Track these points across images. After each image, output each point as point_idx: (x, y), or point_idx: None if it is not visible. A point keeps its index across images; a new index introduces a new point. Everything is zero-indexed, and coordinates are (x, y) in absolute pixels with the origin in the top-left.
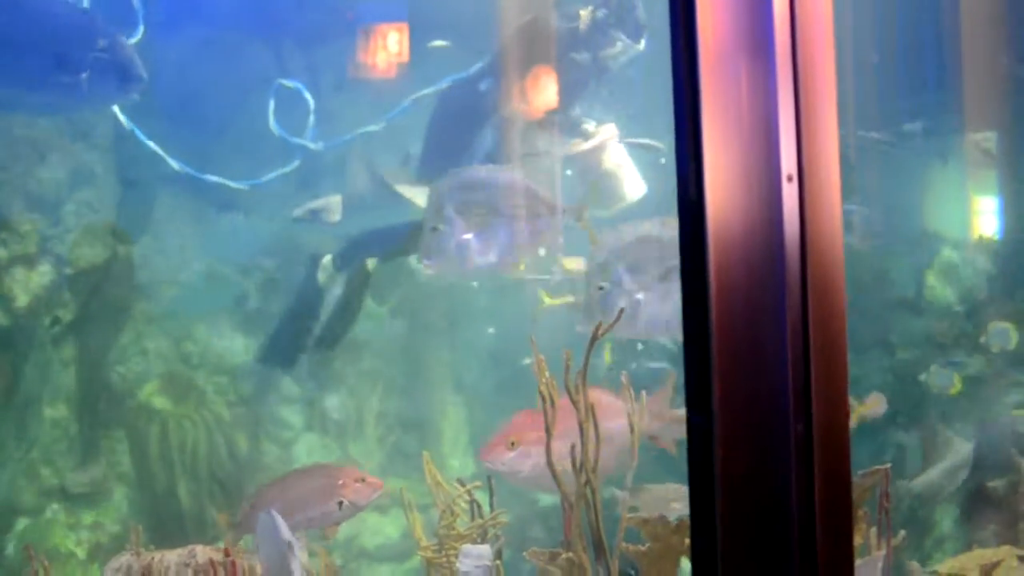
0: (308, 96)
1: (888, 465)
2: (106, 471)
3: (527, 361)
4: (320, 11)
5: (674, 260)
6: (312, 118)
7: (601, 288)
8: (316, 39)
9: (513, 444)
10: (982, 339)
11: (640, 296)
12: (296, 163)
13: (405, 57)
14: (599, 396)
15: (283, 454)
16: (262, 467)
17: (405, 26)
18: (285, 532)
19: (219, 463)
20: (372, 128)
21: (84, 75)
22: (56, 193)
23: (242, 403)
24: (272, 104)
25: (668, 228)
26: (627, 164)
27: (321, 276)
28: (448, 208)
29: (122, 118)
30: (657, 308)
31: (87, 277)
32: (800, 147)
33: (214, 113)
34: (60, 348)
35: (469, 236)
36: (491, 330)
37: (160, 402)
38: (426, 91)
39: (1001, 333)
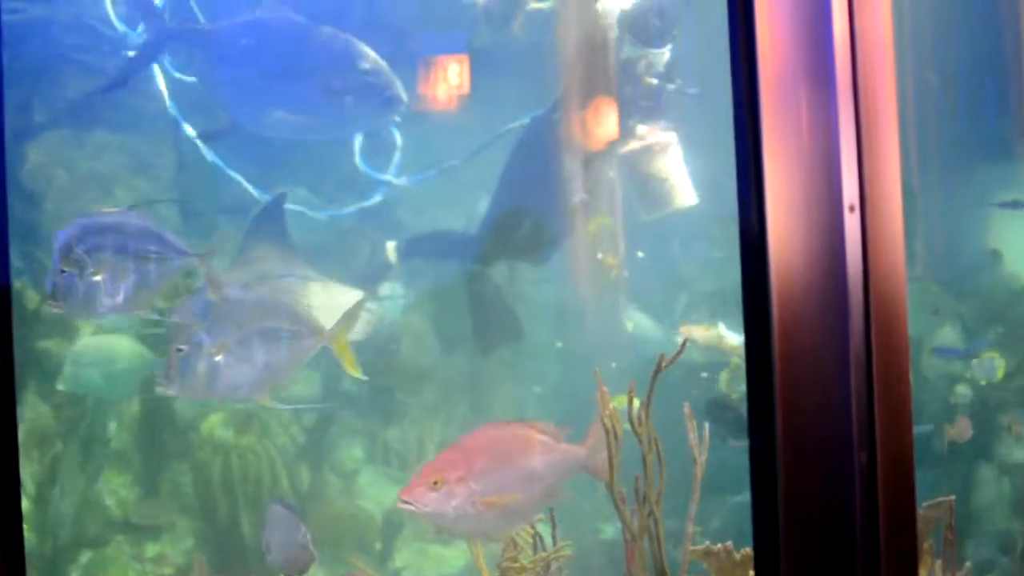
0: (396, 134)
1: (952, 497)
2: (170, 503)
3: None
4: (380, 42)
5: (256, 323)
6: (398, 155)
7: (180, 350)
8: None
9: (436, 484)
10: None
11: (219, 359)
12: (378, 197)
13: (466, 89)
14: (528, 432)
15: (345, 486)
16: (325, 499)
17: (466, 57)
18: (300, 525)
19: (282, 495)
20: (455, 163)
21: (348, 99)
22: None
23: (305, 434)
24: (359, 140)
25: (249, 291)
26: (680, 171)
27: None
28: (78, 250)
29: (205, 151)
30: (236, 371)
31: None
32: (862, 176)
33: (287, 142)
34: None
35: (99, 278)
36: (558, 343)
37: (223, 434)
38: (512, 125)
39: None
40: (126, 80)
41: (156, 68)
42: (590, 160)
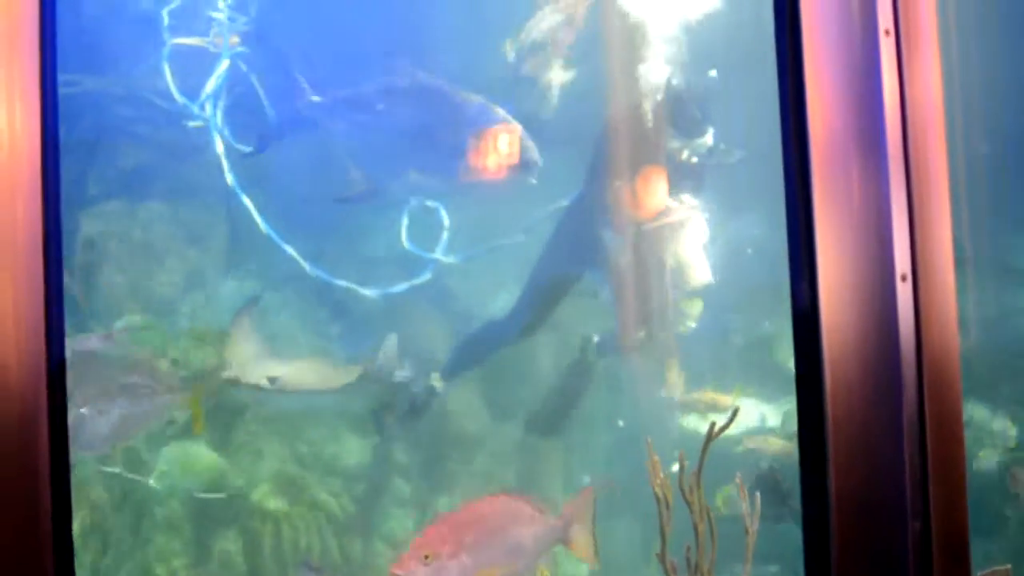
0: (444, 214)
1: (1008, 566)
2: (220, 571)
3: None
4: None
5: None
6: (446, 235)
7: None
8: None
9: (427, 558)
10: None
11: (84, 411)
12: (427, 276)
13: (516, 160)
14: (510, 503)
15: (395, 556)
16: (375, 569)
17: (517, 127)
18: None
19: (331, 564)
20: (506, 241)
21: (489, 159)
22: (171, 296)
23: (355, 504)
24: (406, 221)
25: (110, 341)
26: (696, 249)
27: (434, 380)
28: None
29: (260, 222)
30: (97, 424)
31: (201, 378)
32: (914, 246)
33: (334, 216)
34: (174, 448)
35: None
36: (620, 423)
37: (273, 503)
38: (562, 203)
39: None
40: (266, 147)
41: (217, 138)
42: (629, 235)
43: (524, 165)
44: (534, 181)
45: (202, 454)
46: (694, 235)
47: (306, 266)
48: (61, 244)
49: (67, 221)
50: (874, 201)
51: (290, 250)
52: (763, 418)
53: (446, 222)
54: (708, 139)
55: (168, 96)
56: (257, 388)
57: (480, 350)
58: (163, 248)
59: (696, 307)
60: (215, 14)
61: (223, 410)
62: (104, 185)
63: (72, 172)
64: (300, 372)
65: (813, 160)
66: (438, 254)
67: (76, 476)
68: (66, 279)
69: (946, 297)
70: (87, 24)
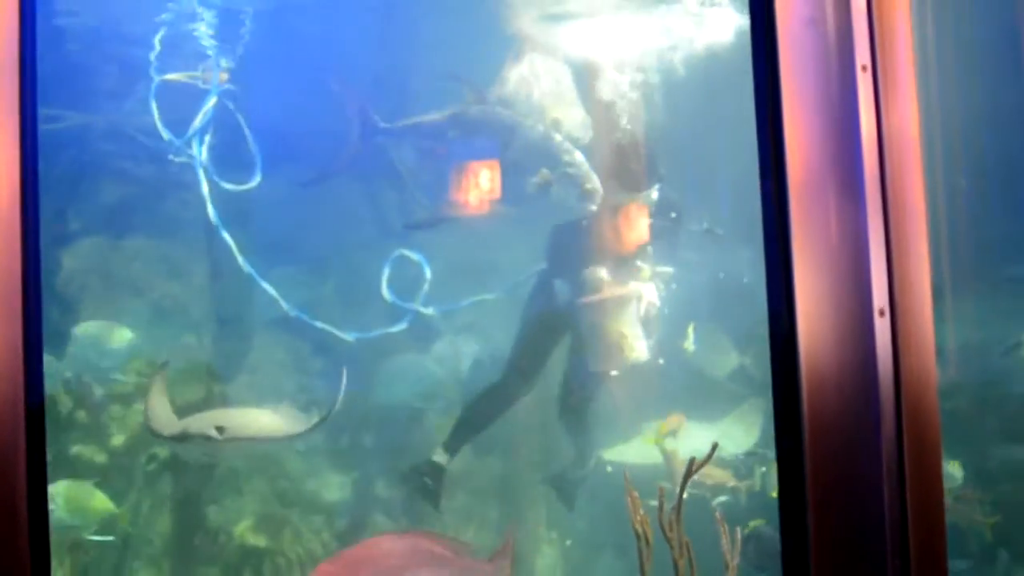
0: (427, 268)
1: None
2: None
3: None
4: (410, 149)
5: None
6: (427, 286)
7: None
8: (408, 178)
9: None
10: None
11: None
12: (404, 325)
13: (497, 194)
14: (419, 543)
15: None
16: None
17: (496, 163)
18: None
19: None
20: (488, 296)
21: (552, 190)
22: (152, 333)
23: (336, 540)
24: (387, 272)
25: None
26: (635, 326)
27: (437, 456)
28: None
29: (241, 261)
30: None
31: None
32: (892, 281)
33: (318, 259)
34: (156, 486)
35: None
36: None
37: (255, 539)
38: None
39: None
40: (336, 173)
41: (201, 174)
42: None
43: (586, 195)
44: (595, 208)
45: (95, 496)
46: (628, 314)
47: (285, 306)
48: (40, 280)
49: (47, 257)
50: (852, 236)
51: (270, 289)
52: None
53: (427, 275)
54: (654, 194)
55: (150, 132)
56: (206, 438)
57: (482, 421)
58: (145, 283)
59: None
60: (205, 44)
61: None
62: (86, 220)
63: (53, 207)
64: (252, 420)
65: (791, 195)
66: (417, 305)
67: None
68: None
69: (924, 331)
70: (71, 60)
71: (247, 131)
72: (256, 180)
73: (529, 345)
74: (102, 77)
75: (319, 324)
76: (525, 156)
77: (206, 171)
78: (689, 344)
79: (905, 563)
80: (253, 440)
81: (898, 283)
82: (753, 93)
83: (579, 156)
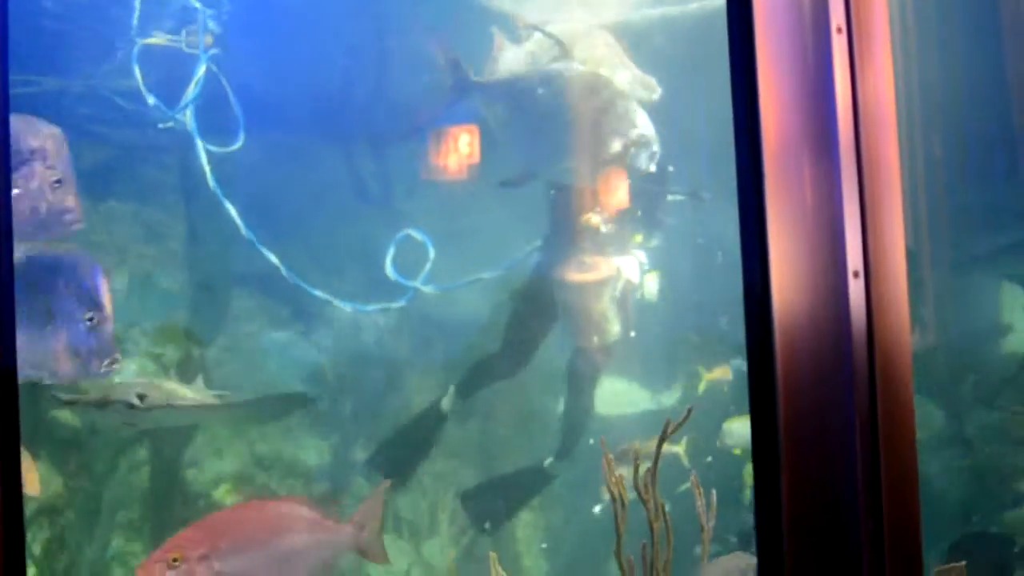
0: (430, 247)
1: (964, 563)
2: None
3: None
4: (391, 114)
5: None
6: (429, 265)
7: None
8: (387, 142)
9: (176, 561)
10: None
11: None
12: (403, 303)
13: (476, 159)
14: (284, 508)
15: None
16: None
17: (476, 128)
18: None
19: None
20: (487, 275)
21: (627, 151)
22: (129, 296)
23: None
24: (392, 251)
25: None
26: (612, 307)
27: (445, 403)
28: None
29: (243, 228)
30: None
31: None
32: (866, 243)
33: (302, 220)
34: (134, 449)
35: None
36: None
37: (233, 503)
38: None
39: None
40: (424, 127)
41: (199, 144)
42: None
43: (652, 156)
44: (653, 168)
45: None
46: (609, 294)
47: (285, 273)
48: (12, 254)
49: None
50: (826, 198)
51: (271, 256)
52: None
53: (431, 254)
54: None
55: (129, 95)
56: (128, 406)
57: (483, 381)
58: (123, 247)
59: None
60: (189, 6)
61: None
62: None
63: None
64: (174, 390)
65: (765, 156)
66: (419, 283)
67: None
68: None
69: (898, 293)
70: (47, 25)
71: (231, 95)
72: (239, 143)
73: (517, 320)
74: (78, 40)
75: (318, 293)
76: (605, 116)
77: (202, 139)
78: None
79: (878, 521)
80: (175, 409)
81: (873, 245)
82: (728, 55)
83: (649, 123)
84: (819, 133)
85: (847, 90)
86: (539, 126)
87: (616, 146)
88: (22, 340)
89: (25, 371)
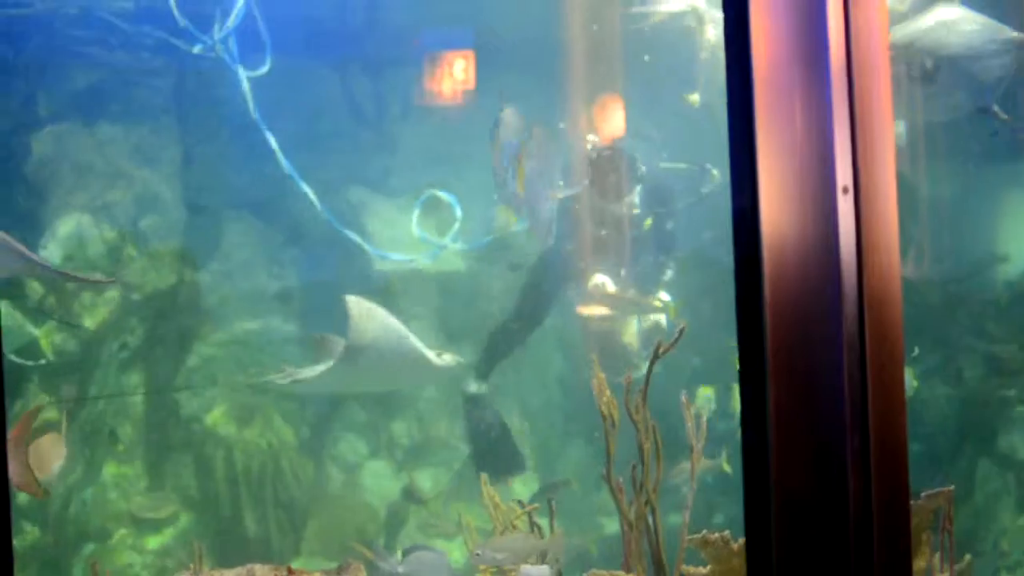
0: (457, 207)
1: (952, 487)
2: (173, 496)
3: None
4: (386, 39)
5: None
6: (457, 225)
7: None
8: (383, 67)
9: None
10: None
11: None
12: (429, 261)
13: (471, 84)
14: None
15: (349, 480)
16: (327, 492)
17: (471, 53)
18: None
19: (284, 488)
20: (512, 229)
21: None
22: (123, 219)
23: (308, 428)
24: (417, 211)
25: None
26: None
27: (472, 388)
28: None
29: (281, 159)
30: None
31: (154, 302)
32: (856, 159)
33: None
34: (127, 373)
35: None
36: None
37: (226, 428)
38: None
39: None
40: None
41: (240, 70)
42: None
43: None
44: None
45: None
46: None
47: (319, 207)
48: None
49: (17, 143)
50: (815, 112)
51: (307, 190)
52: None
53: (458, 213)
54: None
55: (126, 16)
56: None
57: (503, 351)
58: (116, 170)
59: None
60: None
61: (176, 334)
62: (56, 107)
63: (23, 94)
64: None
65: (755, 70)
66: (447, 241)
67: None
68: None
69: (888, 210)
70: None
71: (259, 18)
72: (267, 67)
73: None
74: None
75: (349, 233)
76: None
77: (242, 66)
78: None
79: (864, 438)
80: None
81: (862, 161)
82: None
83: None
84: (810, 49)
85: (839, 3)
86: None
87: None
88: None
89: None
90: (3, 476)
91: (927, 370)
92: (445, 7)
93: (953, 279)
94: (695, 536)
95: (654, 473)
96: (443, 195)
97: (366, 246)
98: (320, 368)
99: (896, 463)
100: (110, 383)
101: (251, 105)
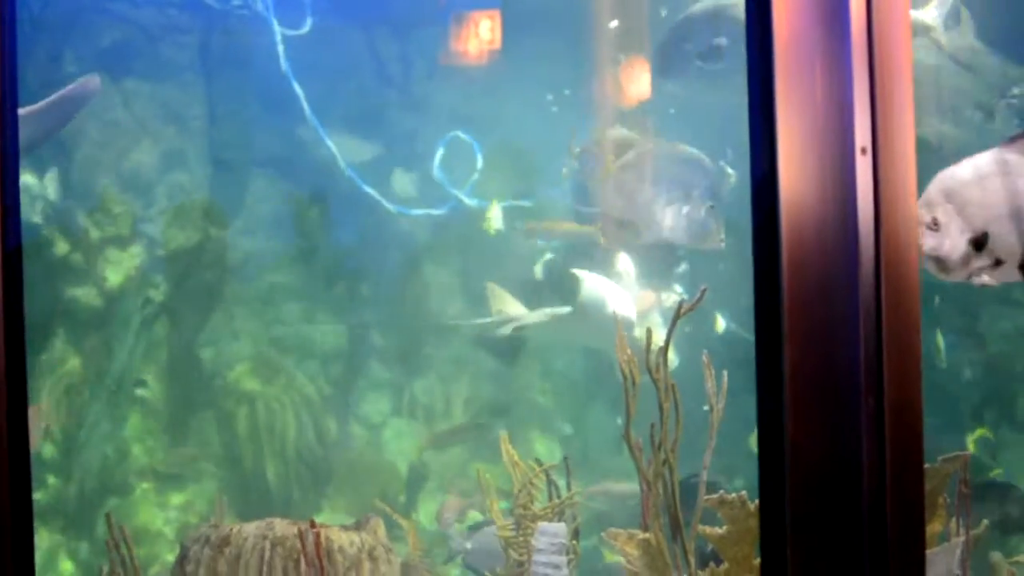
0: (478, 154)
1: (968, 452)
2: (195, 452)
3: None
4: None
5: None
6: (476, 175)
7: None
8: (409, 27)
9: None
10: None
11: None
12: (444, 211)
13: (497, 44)
14: None
15: (371, 437)
16: (350, 450)
17: (497, 13)
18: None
19: (307, 445)
20: (526, 203)
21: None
22: (149, 175)
23: (331, 386)
24: (440, 153)
25: None
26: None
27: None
28: None
29: (309, 114)
30: None
31: (179, 258)
32: (875, 119)
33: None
34: (151, 329)
35: None
36: None
37: (250, 384)
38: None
39: None
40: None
41: (276, 25)
42: None
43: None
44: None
45: None
46: None
47: (342, 164)
48: (17, 135)
49: (42, 99)
50: (836, 73)
51: (331, 146)
52: None
53: (479, 163)
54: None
55: None
56: None
57: None
58: (141, 127)
59: None
60: None
61: (200, 290)
62: (82, 63)
63: (48, 50)
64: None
65: (776, 30)
66: (462, 194)
67: None
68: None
69: (906, 171)
70: None
71: None
72: (307, 27)
73: None
74: None
75: (368, 189)
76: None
77: (279, 21)
78: None
79: (880, 402)
80: None
81: (881, 121)
82: None
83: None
84: (831, 11)
85: None
86: None
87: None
88: None
89: None
90: (23, 431)
91: (949, 335)
92: None
93: None
94: (712, 496)
95: (673, 432)
96: (464, 136)
97: (384, 202)
98: (547, 314)
99: (911, 425)
100: (134, 339)
101: (282, 60)
